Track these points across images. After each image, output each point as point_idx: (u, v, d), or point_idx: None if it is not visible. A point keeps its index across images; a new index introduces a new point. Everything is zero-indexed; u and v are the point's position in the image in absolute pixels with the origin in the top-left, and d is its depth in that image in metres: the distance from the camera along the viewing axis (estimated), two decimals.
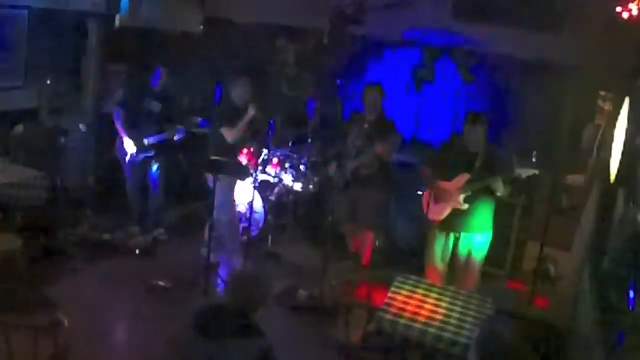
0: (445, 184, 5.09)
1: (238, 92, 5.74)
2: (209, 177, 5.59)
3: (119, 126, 6.13)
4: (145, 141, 6.11)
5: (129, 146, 6.12)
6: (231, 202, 5.97)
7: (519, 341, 2.50)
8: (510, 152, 5.20)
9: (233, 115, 5.69)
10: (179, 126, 6.19)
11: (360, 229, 6.06)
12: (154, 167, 6.30)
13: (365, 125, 5.79)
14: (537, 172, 4.85)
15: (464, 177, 4.99)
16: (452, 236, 5.17)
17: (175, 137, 6.15)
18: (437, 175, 5.15)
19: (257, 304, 3.11)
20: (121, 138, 6.16)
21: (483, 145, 4.99)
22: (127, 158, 6.16)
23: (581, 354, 4.11)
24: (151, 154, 6.19)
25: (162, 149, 6.22)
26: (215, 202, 5.58)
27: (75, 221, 6.23)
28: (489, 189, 4.94)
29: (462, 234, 5.12)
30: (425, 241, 5.40)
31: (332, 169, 6.03)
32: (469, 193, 4.97)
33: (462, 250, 5.15)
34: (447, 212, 5.09)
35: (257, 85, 5.96)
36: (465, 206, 4.99)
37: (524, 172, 4.85)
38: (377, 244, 6.21)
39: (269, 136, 6.20)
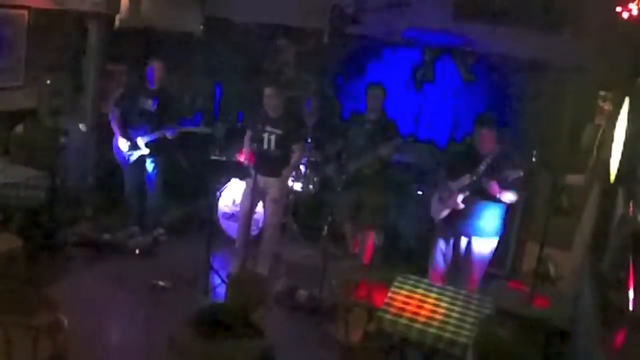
0: (451, 185, 5.10)
1: (270, 103, 5.64)
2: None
3: (114, 126, 6.13)
4: (139, 140, 6.11)
5: (123, 146, 6.12)
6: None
7: (518, 341, 2.50)
8: (512, 155, 5.19)
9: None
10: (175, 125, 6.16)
11: (361, 228, 6.06)
12: (151, 166, 6.30)
13: (367, 126, 5.79)
14: (520, 173, 4.82)
15: (466, 179, 5.00)
16: (455, 238, 5.17)
17: (168, 135, 6.07)
18: (448, 176, 5.16)
19: (256, 304, 3.11)
20: (117, 138, 6.16)
21: (492, 148, 4.98)
22: (124, 157, 6.17)
23: (581, 354, 4.10)
24: (146, 153, 6.18)
25: (158, 148, 6.19)
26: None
27: (75, 221, 6.24)
28: (486, 193, 4.93)
29: (465, 237, 5.12)
30: (429, 241, 5.41)
31: (332, 169, 6.03)
32: (467, 194, 4.97)
33: (466, 252, 5.15)
34: (446, 212, 5.09)
35: (257, 86, 5.96)
36: (462, 206, 4.99)
37: (510, 175, 4.83)
38: (377, 243, 6.21)
39: None
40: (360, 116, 5.92)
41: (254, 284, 3.21)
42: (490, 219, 5.06)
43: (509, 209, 5.23)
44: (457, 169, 5.08)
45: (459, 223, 5.09)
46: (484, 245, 5.11)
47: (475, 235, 5.08)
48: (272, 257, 5.94)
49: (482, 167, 4.96)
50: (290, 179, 6.63)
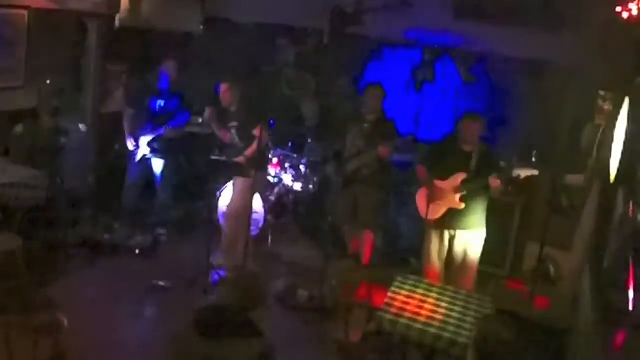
0: (441, 184, 5.10)
1: (224, 99, 5.86)
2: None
3: (125, 125, 6.18)
4: (143, 139, 6.14)
5: (130, 145, 6.15)
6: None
7: (518, 341, 2.50)
8: (501, 150, 5.20)
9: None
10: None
11: (360, 228, 6.06)
12: (160, 165, 6.31)
13: (366, 126, 5.79)
14: (536, 172, 4.85)
15: (460, 177, 5.00)
16: (447, 234, 5.18)
17: (161, 132, 6.12)
18: (433, 174, 5.16)
19: (256, 304, 3.12)
20: (127, 137, 6.20)
21: (477, 144, 5.01)
22: (137, 157, 6.22)
23: (581, 354, 4.11)
24: (156, 152, 6.20)
25: (166, 147, 6.22)
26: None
27: (75, 221, 6.23)
28: (483, 188, 4.96)
29: (457, 232, 5.13)
30: (422, 241, 5.42)
31: (331, 169, 6.03)
32: (465, 192, 4.98)
33: (458, 248, 5.16)
34: (443, 211, 5.10)
35: (257, 85, 5.98)
36: (462, 206, 5.00)
37: (523, 172, 4.85)
38: (376, 244, 6.21)
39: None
40: (359, 116, 5.92)
41: (253, 284, 3.21)
42: (479, 212, 5.10)
43: (509, 207, 5.25)
44: (447, 167, 5.09)
45: (452, 219, 5.09)
46: (477, 238, 5.12)
47: (470, 228, 5.10)
48: (242, 246, 5.68)
49: (473, 164, 4.98)
50: (291, 178, 6.64)
